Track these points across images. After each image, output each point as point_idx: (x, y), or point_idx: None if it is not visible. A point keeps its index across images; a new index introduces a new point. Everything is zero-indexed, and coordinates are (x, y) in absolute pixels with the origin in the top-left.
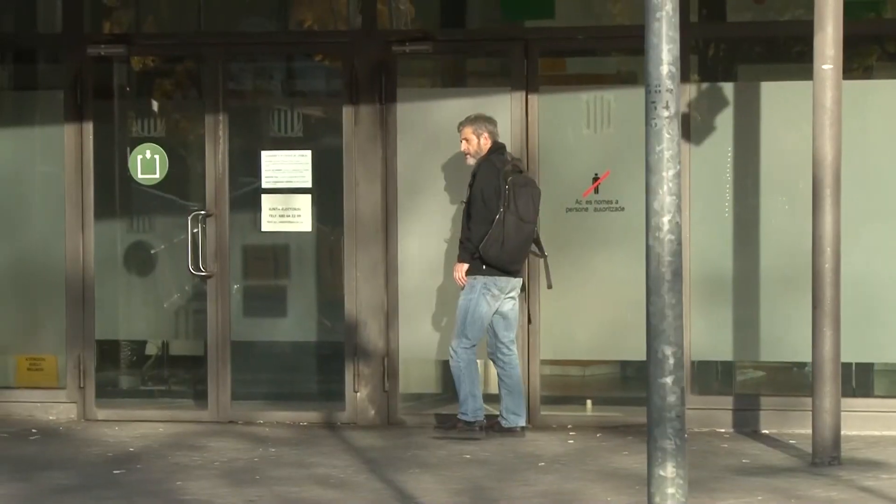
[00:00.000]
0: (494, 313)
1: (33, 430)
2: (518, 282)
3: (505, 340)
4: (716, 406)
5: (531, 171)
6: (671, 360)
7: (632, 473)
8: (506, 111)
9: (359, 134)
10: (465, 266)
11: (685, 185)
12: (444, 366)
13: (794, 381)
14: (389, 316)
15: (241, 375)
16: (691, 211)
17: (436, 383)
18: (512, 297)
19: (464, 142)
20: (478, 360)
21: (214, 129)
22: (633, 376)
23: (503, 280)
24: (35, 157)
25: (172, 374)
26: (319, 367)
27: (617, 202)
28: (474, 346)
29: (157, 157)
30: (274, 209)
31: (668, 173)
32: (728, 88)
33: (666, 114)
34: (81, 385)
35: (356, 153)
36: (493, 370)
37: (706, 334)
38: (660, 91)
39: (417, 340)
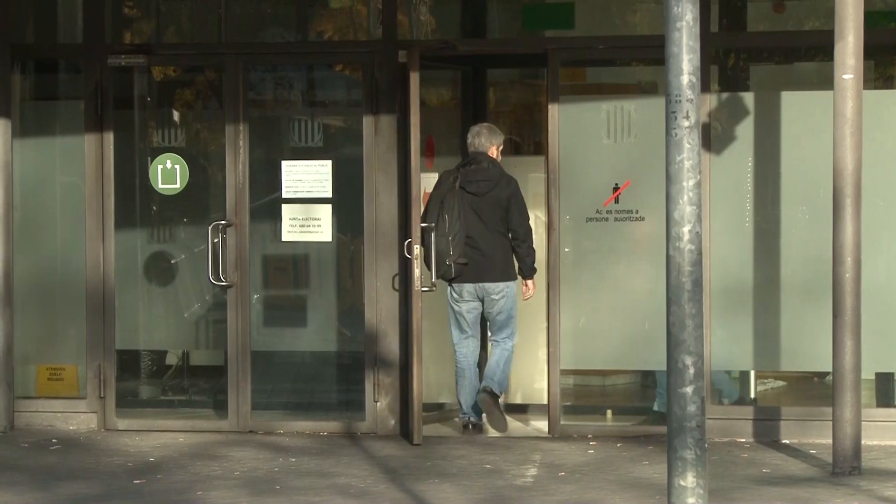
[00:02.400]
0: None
1: (53, 440)
2: (477, 287)
3: (491, 337)
4: (736, 416)
5: (551, 180)
6: (691, 370)
7: (652, 483)
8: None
9: (379, 144)
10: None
11: (705, 194)
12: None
13: (814, 390)
14: (409, 326)
15: (261, 385)
16: (711, 221)
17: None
18: (492, 299)
19: None
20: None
21: (235, 138)
22: (653, 386)
23: (456, 286)
24: (56, 167)
25: (193, 383)
26: (339, 377)
27: (637, 212)
28: (458, 347)
29: (177, 166)
30: (294, 219)
31: (688, 183)
32: (748, 98)
33: (686, 123)
34: (102, 395)
35: (376, 163)
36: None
37: (726, 344)
38: (680, 101)
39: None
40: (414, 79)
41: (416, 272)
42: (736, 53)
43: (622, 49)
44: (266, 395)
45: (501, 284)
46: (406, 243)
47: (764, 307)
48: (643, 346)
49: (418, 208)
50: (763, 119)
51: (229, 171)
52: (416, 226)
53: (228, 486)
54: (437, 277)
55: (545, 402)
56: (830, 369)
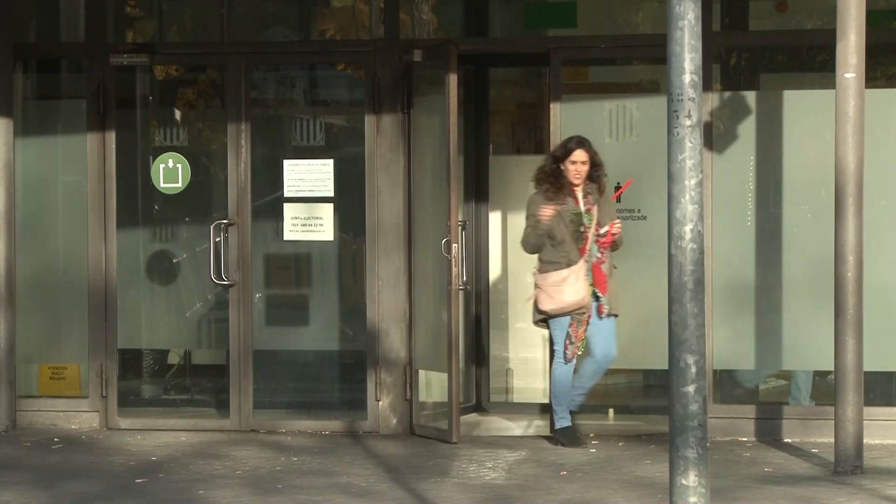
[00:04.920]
0: None
1: (55, 439)
2: None
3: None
4: (738, 415)
5: None
6: (693, 369)
7: (654, 482)
8: None
9: (381, 143)
10: None
11: (707, 193)
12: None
13: (816, 389)
14: (411, 324)
15: (263, 384)
16: (714, 220)
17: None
18: None
19: None
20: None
21: (237, 138)
22: (655, 385)
23: None
24: (58, 167)
25: (195, 382)
26: (341, 376)
27: (639, 211)
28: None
29: (179, 166)
30: (296, 218)
31: (690, 182)
32: (750, 97)
33: (688, 123)
34: (104, 394)
35: (378, 162)
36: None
37: (728, 343)
38: (682, 100)
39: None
40: (453, 80)
41: (455, 270)
42: (738, 52)
43: (624, 48)
44: (268, 395)
45: None
46: (444, 242)
47: (766, 306)
48: (645, 345)
49: (456, 208)
50: (765, 118)
51: (231, 170)
52: (455, 225)
53: (231, 486)
54: None
55: (547, 401)
56: (832, 368)
